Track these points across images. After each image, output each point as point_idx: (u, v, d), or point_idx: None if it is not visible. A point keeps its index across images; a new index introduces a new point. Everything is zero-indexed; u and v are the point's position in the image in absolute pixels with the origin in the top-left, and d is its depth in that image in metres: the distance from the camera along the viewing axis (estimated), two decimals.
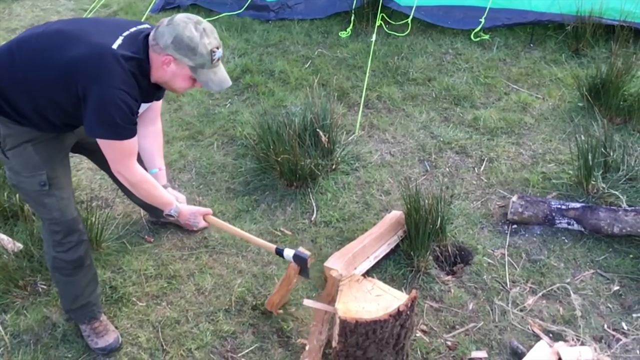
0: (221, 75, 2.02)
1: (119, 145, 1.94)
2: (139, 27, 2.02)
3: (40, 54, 1.91)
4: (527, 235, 2.81)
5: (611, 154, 2.99)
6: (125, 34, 1.94)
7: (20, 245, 2.73)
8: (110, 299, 2.56)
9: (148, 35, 1.96)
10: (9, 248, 2.69)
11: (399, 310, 2.00)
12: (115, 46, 1.88)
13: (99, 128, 1.90)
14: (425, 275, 2.61)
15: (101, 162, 2.40)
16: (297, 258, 2.21)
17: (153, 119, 2.31)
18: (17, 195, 2.76)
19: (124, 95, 1.86)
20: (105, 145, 1.95)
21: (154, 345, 2.37)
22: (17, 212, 2.84)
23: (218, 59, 1.97)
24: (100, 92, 1.84)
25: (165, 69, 1.95)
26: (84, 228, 2.26)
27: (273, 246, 2.27)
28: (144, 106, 2.11)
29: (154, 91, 2.11)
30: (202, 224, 2.26)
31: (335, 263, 2.49)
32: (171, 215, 2.21)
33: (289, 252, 2.22)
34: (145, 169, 2.25)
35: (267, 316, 2.47)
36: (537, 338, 2.32)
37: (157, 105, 2.31)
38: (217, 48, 1.95)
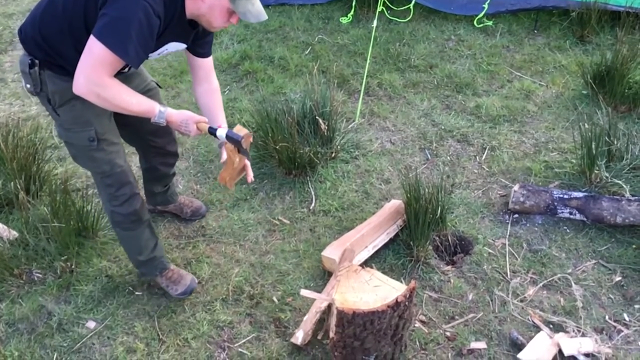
0: (258, 6, 1.96)
1: (111, 56, 1.76)
2: None
3: None
4: (528, 225, 2.77)
5: (615, 142, 2.94)
6: None
7: (15, 234, 2.70)
8: (107, 288, 2.54)
9: None
10: (4, 236, 2.67)
11: (397, 301, 1.98)
12: None
13: (107, 32, 1.74)
14: (424, 265, 2.58)
15: (131, 135, 2.35)
16: (231, 139, 2.06)
17: (205, 76, 2.25)
18: (12, 183, 2.72)
19: (148, 9, 1.76)
20: (96, 48, 1.75)
21: (150, 334, 2.35)
22: (12, 200, 2.81)
23: None
24: (124, 1, 1.75)
25: None
26: (135, 182, 2.25)
27: (206, 126, 2.09)
28: (173, 46, 2.05)
29: (187, 29, 2.02)
30: (195, 131, 2.08)
31: (333, 252, 2.47)
32: (158, 123, 2.00)
33: (221, 132, 2.07)
34: None
35: (264, 306, 2.45)
36: (537, 329, 2.29)
37: (207, 62, 2.23)
38: None
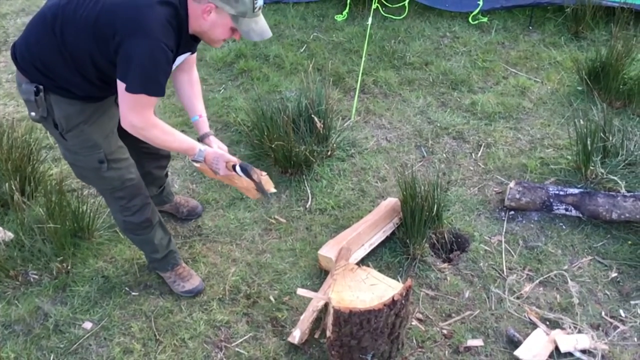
0: (262, 25, 1.96)
1: (149, 99, 1.86)
2: None
3: (74, 10, 1.85)
4: (524, 221, 2.78)
5: (610, 138, 2.95)
6: None
7: (10, 235, 2.69)
8: (103, 289, 2.53)
9: None
10: (0, 238, 2.66)
11: (393, 299, 1.98)
12: None
13: (134, 80, 1.81)
14: (421, 262, 2.58)
15: (126, 144, 2.36)
16: (247, 175, 2.13)
17: (189, 68, 2.27)
18: (7, 184, 2.71)
19: (163, 47, 1.80)
20: (135, 95, 1.84)
21: (147, 335, 2.35)
22: (7, 201, 2.79)
23: (259, 8, 1.91)
24: (140, 44, 1.77)
25: (206, 17, 1.89)
26: (146, 191, 2.29)
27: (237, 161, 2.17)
28: (179, 58, 2.06)
29: (191, 42, 2.04)
30: (223, 169, 2.14)
31: (330, 251, 2.47)
32: (197, 160, 2.10)
33: (238, 169, 2.13)
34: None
35: (261, 305, 2.45)
36: (534, 326, 2.30)
37: (192, 57, 2.26)
38: None
